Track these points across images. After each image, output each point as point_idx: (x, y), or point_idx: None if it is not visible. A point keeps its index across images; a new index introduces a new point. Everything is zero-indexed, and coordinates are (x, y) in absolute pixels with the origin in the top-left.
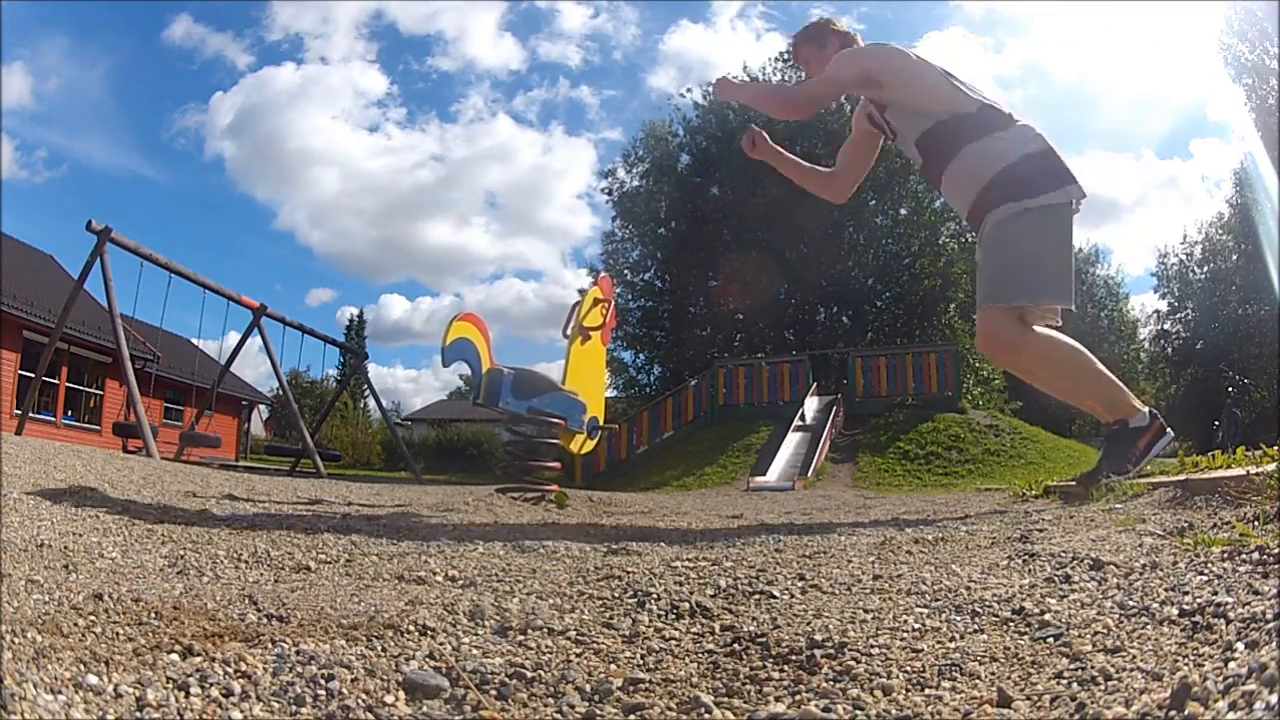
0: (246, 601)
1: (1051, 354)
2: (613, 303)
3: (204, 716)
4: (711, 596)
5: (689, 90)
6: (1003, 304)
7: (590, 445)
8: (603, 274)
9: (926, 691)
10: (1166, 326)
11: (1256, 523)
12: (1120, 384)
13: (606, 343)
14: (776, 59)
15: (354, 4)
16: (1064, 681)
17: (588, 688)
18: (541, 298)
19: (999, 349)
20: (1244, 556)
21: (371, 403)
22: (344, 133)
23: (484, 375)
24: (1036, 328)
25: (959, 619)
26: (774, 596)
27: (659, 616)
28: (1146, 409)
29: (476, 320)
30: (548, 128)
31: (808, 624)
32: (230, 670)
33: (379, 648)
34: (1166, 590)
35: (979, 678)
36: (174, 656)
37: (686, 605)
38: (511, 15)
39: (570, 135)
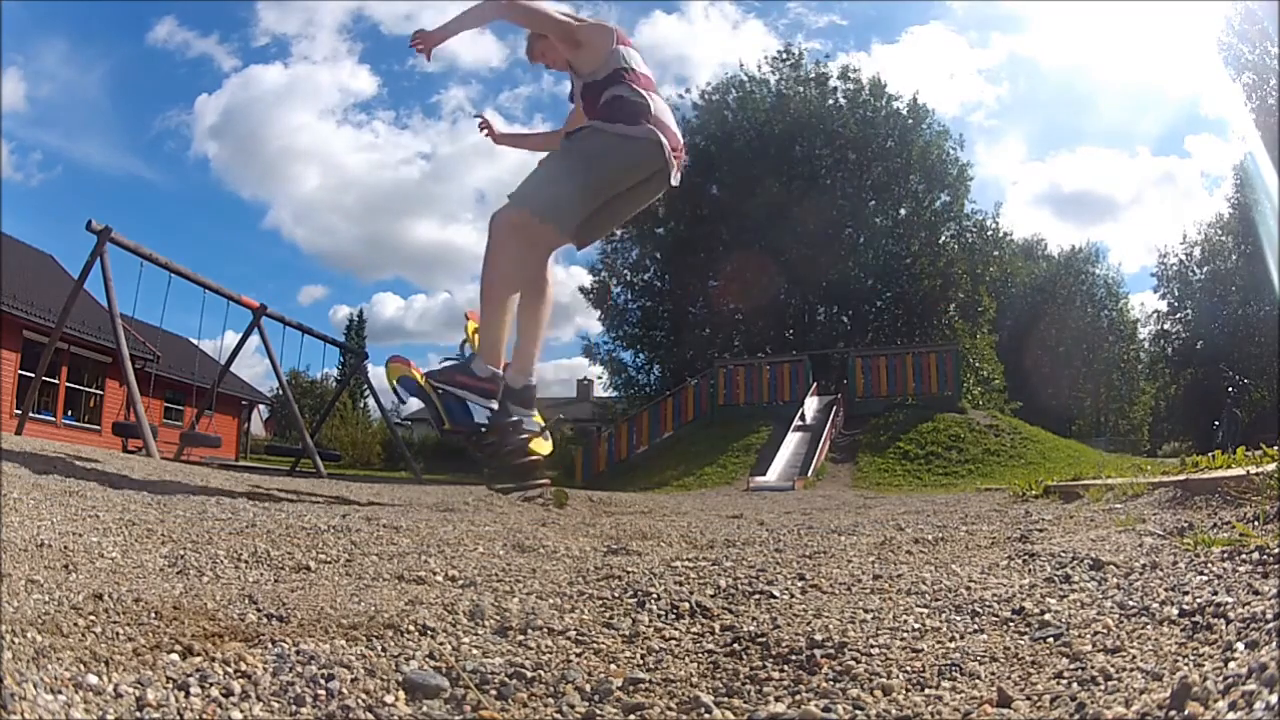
0: (246, 601)
1: (495, 267)
2: None
3: (204, 716)
4: (711, 596)
5: (687, 91)
6: (514, 208)
7: (547, 447)
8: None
9: (926, 691)
10: (1166, 326)
11: (1256, 523)
12: (501, 340)
13: None
14: (775, 59)
15: (337, 4)
16: (1064, 681)
17: (588, 688)
18: None
19: (490, 235)
20: (1244, 556)
21: (371, 403)
22: (328, 130)
23: (438, 404)
24: (533, 247)
25: (959, 619)
26: (774, 596)
27: (659, 616)
28: (493, 370)
29: (404, 361)
30: (532, 124)
31: (808, 624)
32: (230, 670)
33: (379, 648)
34: (1166, 590)
35: (979, 678)
36: (174, 656)
37: (686, 605)
38: None
39: None
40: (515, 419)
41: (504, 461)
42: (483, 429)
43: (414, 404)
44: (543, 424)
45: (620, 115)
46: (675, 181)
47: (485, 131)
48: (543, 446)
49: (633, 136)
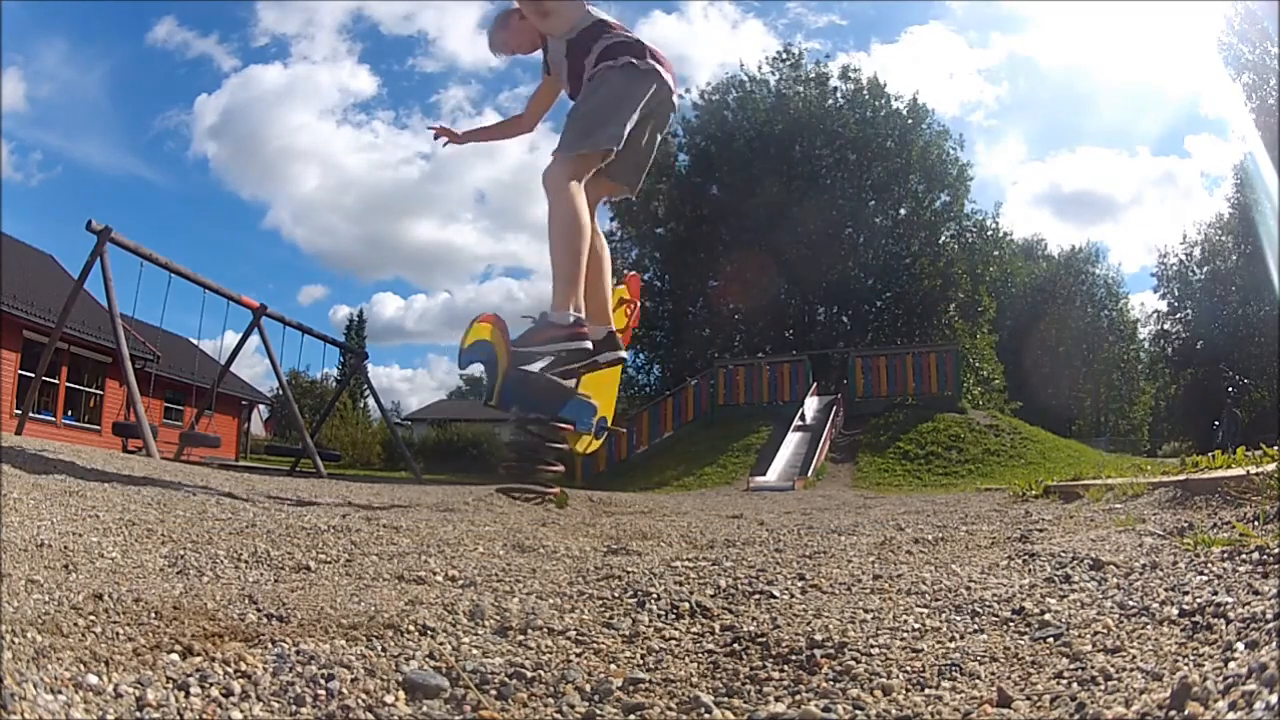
0: (246, 601)
1: (562, 213)
2: (638, 304)
3: (204, 716)
4: (711, 596)
5: (687, 91)
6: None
7: (596, 445)
8: (631, 273)
9: (926, 691)
10: (1166, 326)
11: (1256, 523)
12: (578, 284)
13: (626, 344)
14: (774, 59)
15: (337, 4)
16: (1064, 681)
17: (588, 688)
18: (532, 296)
19: (547, 190)
20: (1244, 556)
21: (371, 402)
22: (328, 130)
23: (499, 379)
24: (580, 184)
25: (959, 619)
26: (774, 596)
27: (659, 616)
28: (576, 315)
29: (496, 321)
30: None
31: (808, 624)
32: (230, 670)
33: (379, 648)
34: (1166, 590)
35: (979, 678)
36: (174, 656)
37: (686, 605)
38: (493, 11)
39: (558, 132)
40: (570, 421)
41: (536, 457)
42: (528, 417)
43: (415, 403)
44: (609, 426)
45: (621, 51)
46: (675, 104)
47: (445, 141)
48: (582, 443)
49: (639, 66)
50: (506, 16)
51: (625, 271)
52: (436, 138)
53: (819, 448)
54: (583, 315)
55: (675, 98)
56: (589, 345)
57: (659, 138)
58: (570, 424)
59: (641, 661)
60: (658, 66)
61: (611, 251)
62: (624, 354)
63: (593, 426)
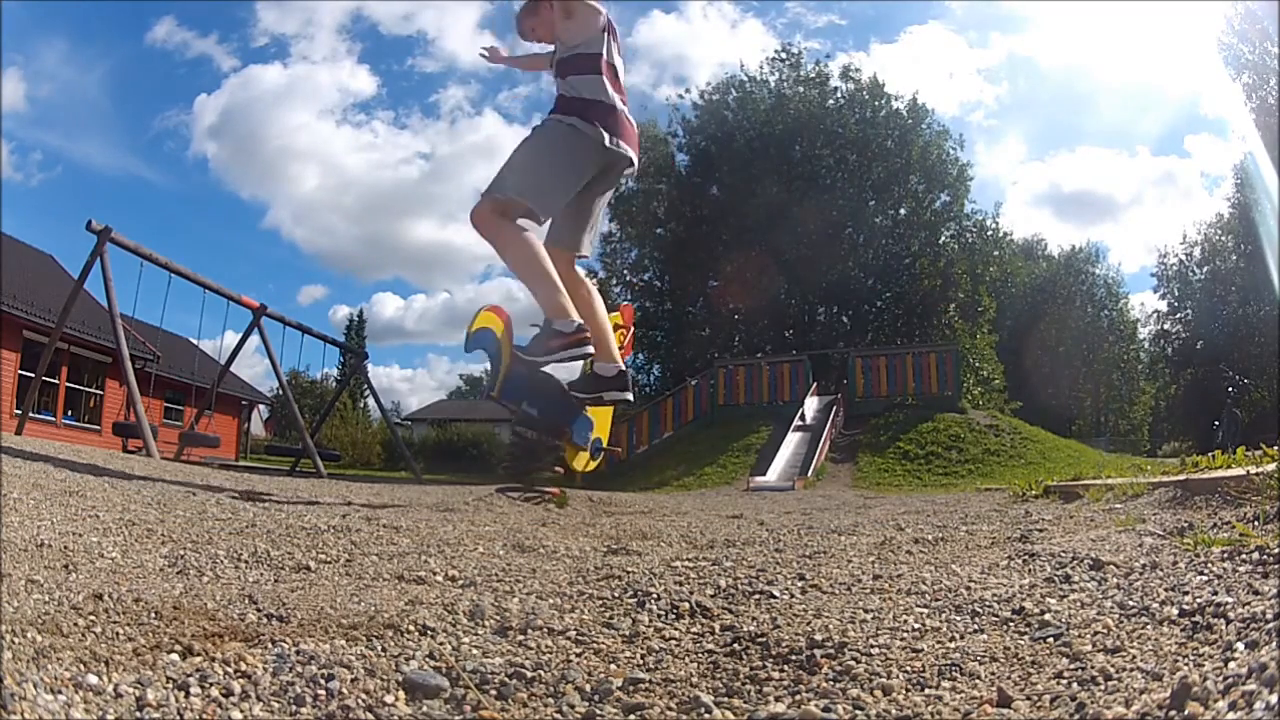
0: (246, 601)
1: (510, 249)
2: (631, 331)
3: (204, 716)
4: (711, 596)
5: (687, 91)
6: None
7: (593, 465)
8: (625, 303)
9: (926, 691)
10: (1166, 326)
11: (1256, 523)
12: (563, 294)
13: None
14: (774, 59)
15: (337, 4)
16: (1064, 681)
17: (588, 688)
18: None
19: (480, 232)
20: (1244, 556)
21: (371, 402)
22: (328, 130)
23: (501, 371)
24: (519, 222)
25: (959, 619)
26: (774, 596)
27: (659, 616)
28: (577, 322)
29: (501, 313)
30: (529, 122)
31: (808, 624)
32: (230, 670)
33: (379, 648)
34: (1166, 590)
35: (979, 678)
36: (174, 656)
37: (686, 605)
38: (493, 11)
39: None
40: (575, 428)
41: (533, 458)
42: (531, 414)
43: (415, 403)
44: (604, 447)
45: (576, 111)
46: (635, 163)
47: (488, 55)
48: (580, 460)
49: (583, 132)
50: (537, 4)
51: (620, 302)
52: (485, 54)
53: (819, 448)
54: (584, 324)
55: (631, 160)
56: (591, 350)
57: (607, 199)
58: (569, 434)
59: (641, 661)
60: (593, 135)
61: (611, 252)
62: (629, 396)
63: (589, 443)
